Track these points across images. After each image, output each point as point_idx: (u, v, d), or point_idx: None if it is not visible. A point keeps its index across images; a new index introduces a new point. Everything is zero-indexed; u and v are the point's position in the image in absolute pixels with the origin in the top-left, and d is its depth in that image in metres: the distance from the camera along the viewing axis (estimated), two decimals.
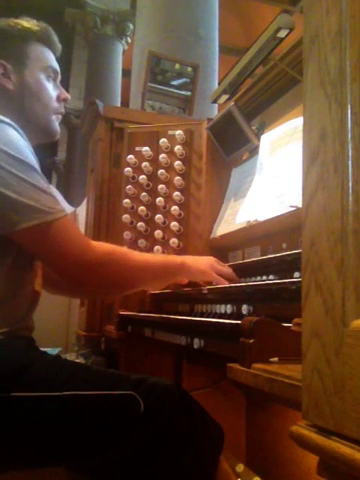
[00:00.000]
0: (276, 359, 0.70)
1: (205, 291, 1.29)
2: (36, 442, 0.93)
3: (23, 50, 1.22)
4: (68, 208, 3.36)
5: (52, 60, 1.28)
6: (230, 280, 1.33)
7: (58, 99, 1.28)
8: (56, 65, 1.29)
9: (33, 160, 1.05)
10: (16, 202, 0.99)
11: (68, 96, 1.31)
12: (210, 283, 1.39)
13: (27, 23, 1.24)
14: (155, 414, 0.94)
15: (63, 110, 1.30)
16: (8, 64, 1.20)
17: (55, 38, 1.29)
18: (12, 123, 1.06)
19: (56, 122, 1.28)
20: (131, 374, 1.01)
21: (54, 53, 1.29)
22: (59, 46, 1.30)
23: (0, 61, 1.19)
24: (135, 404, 0.94)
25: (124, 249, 1.32)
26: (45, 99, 1.24)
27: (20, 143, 1.05)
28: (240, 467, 1.37)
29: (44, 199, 1.02)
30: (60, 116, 1.30)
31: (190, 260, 1.32)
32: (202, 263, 1.33)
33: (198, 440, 0.97)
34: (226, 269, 1.37)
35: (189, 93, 2.47)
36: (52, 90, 1.27)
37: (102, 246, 1.15)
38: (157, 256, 1.43)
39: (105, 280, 1.13)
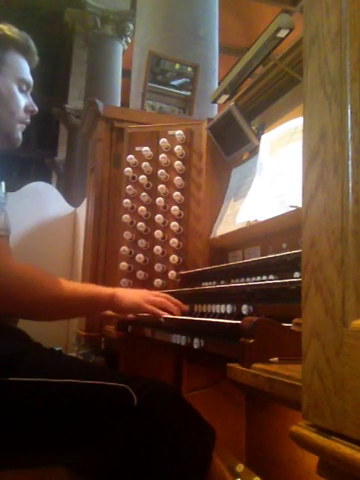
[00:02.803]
0: (276, 359, 0.70)
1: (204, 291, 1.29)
2: (31, 427, 0.94)
3: (0, 56, 1.21)
4: (68, 208, 3.35)
5: (27, 72, 1.28)
6: (166, 310, 1.23)
7: (26, 110, 1.28)
8: (30, 78, 1.29)
9: None
10: None
11: (36, 109, 1.31)
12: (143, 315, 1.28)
13: (8, 30, 1.23)
14: (148, 408, 0.96)
15: (29, 121, 1.30)
16: None
17: (34, 49, 1.29)
18: None
19: (20, 131, 1.28)
20: (125, 372, 1.04)
21: (30, 64, 1.29)
22: (36, 58, 1.30)
23: None
24: (128, 397, 0.96)
25: (50, 276, 1.15)
26: (13, 107, 1.24)
27: None
28: (240, 467, 1.37)
29: None
30: (25, 126, 1.29)
31: (121, 292, 1.24)
32: (134, 295, 1.25)
33: (190, 436, 0.99)
34: (160, 299, 1.26)
35: (189, 93, 2.47)
36: (22, 100, 1.27)
37: (23, 269, 1.08)
38: (87, 286, 1.27)
39: (16, 307, 1.07)
